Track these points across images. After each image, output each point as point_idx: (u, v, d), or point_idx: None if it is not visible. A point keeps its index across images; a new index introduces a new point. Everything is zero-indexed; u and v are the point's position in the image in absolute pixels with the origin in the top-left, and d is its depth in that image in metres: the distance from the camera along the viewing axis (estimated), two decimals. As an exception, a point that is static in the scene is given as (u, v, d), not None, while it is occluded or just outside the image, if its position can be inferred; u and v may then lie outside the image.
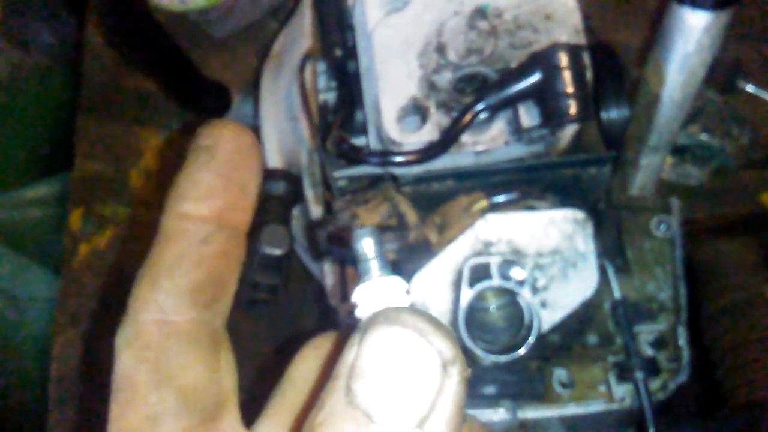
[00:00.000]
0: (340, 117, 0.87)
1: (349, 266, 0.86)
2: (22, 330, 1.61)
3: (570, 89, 0.74)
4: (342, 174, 0.85)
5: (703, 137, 1.14)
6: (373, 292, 0.38)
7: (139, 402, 0.38)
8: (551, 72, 0.74)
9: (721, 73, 1.19)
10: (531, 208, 0.80)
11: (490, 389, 0.73)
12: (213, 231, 0.41)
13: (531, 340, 0.71)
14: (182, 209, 0.41)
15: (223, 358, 0.42)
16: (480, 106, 0.77)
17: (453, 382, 0.31)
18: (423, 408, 0.31)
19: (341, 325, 0.85)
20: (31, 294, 1.62)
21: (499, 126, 0.81)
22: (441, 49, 0.82)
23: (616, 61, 0.84)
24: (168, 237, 0.41)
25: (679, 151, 1.15)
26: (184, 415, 0.39)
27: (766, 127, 1.17)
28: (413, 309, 0.33)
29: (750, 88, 1.21)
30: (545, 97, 0.76)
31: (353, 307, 0.39)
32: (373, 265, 0.38)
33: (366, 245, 0.38)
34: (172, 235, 0.41)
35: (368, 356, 0.32)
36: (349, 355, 0.33)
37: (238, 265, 0.44)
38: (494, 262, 0.74)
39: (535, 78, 0.76)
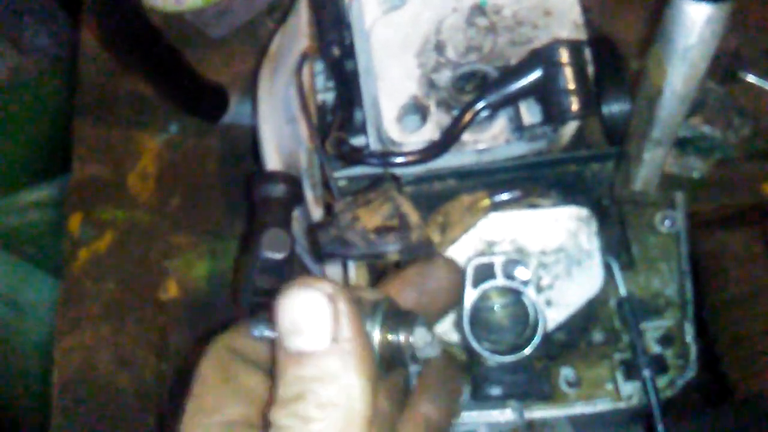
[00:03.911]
0: (339, 117, 0.86)
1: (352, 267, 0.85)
2: (23, 334, 1.61)
3: (572, 86, 0.73)
4: (342, 174, 0.84)
5: (705, 129, 1.13)
6: None
7: (209, 388, 0.50)
8: (552, 69, 0.74)
9: (721, 64, 1.18)
10: (534, 205, 0.80)
11: (496, 390, 0.72)
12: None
13: (536, 339, 0.70)
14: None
15: None
16: (481, 105, 0.76)
17: (342, 305, 0.44)
18: (329, 328, 0.43)
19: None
20: (32, 298, 1.62)
21: (501, 124, 0.80)
22: (440, 47, 0.81)
23: (616, 54, 0.83)
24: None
25: (680, 144, 1.14)
26: (232, 412, 0.49)
27: (767, 117, 1.17)
28: (301, 278, 0.45)
29: (751, 78, 1.20)
30: (547, 94, 0.75)
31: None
32: None
33: None
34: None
35: (281, 319, 0.44)
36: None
37: None
38: (498, 261, 0.73)
39: (536, 75, 0.75)
